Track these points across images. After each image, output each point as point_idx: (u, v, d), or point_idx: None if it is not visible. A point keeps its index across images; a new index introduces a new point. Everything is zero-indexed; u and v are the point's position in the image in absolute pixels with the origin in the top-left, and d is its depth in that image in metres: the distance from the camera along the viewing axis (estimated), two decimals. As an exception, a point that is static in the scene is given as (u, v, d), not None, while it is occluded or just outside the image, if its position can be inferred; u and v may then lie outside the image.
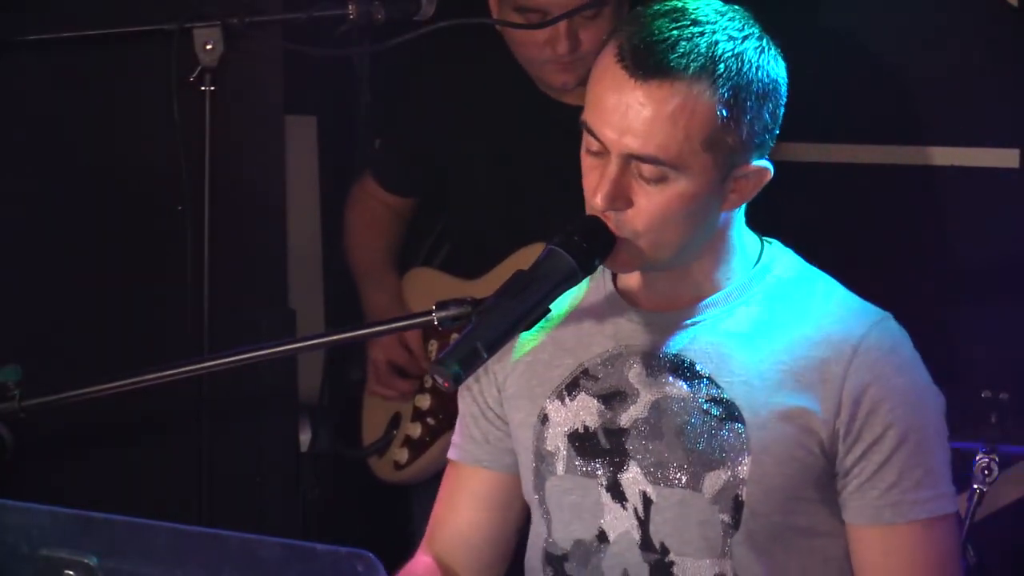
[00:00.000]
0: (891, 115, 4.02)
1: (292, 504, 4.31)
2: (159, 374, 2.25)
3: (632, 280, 2.31)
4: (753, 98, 2.16)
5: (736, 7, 2.22)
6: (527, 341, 2.37)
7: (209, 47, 3.16)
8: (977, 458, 2.98)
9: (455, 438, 2.48)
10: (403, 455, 3.71)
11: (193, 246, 3.29)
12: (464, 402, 2.45)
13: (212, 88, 3.20)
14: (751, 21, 2.21)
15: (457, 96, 3.64)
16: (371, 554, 1.64)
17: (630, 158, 2.15)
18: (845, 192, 4.11)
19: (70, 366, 3.57)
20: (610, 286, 2.33)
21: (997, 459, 2.99)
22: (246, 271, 3.87)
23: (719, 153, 2.15)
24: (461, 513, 2.45)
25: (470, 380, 2.41)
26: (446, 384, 2.04)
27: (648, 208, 2.15)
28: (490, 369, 2.40)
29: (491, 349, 2.06)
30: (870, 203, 4.11)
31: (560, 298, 2.34)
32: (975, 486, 2.97)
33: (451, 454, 2.48)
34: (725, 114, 2.13)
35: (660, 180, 2.14)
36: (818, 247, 3.33)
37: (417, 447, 3.68)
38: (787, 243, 2.39)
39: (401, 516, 4.45)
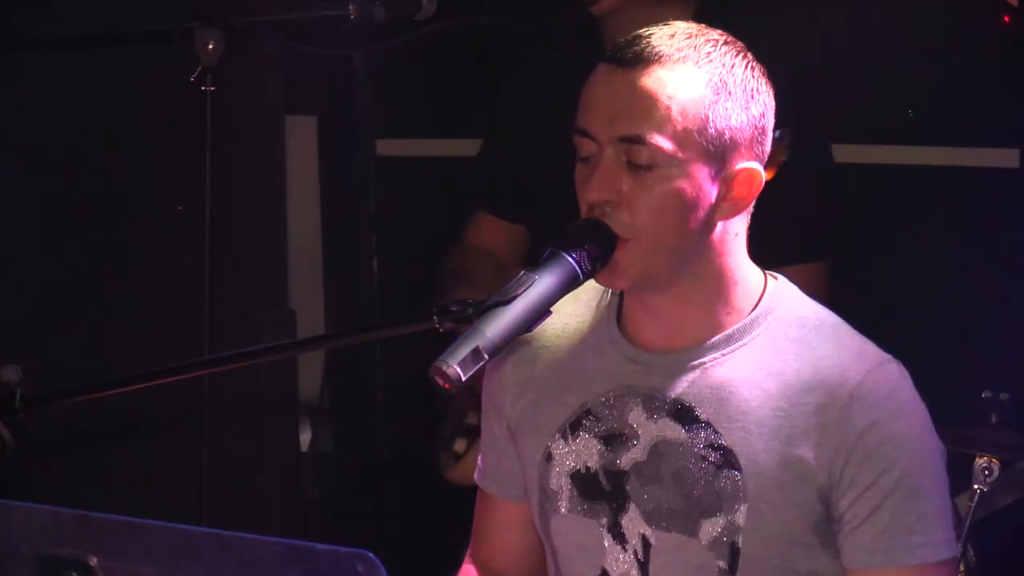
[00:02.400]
0: (891, 115, 4.02)
1: (292, 504, 4.31)
2: (159, 374, 2.24)
3: (635, 317, 2.29)
4: (739, 90, 2.17)
5: None
6: (533, 376, 2.37)
7: (209, 47, 3.16)
8: (977, 458, 2.98)
9: (479, 461, 2.50)
10: (462, 445, 3.55)
11: (193, 246, 3.29)
12: (483, 428, 2.47)
13: (212, 88, 3.20)
14: (739, 43, 2.22)
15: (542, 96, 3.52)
16: (371, 554, 1.64)
17: (620, 144, 2.15)
18: (845, 192, 4.11)
19: (70, 366, 3.57)
20: (614, 325, 2.32)
21: (997, 459, 2.99)
22: (246, 271, 3.88)
23: (707, 140, 2.14)
24: (492, 533, 2.48)
25: (487, 407, 2.43)
26: (447, 386, 2.03)
27: (644, 200, 2.15)
28: (499, 400, 2.41)
29: (492, 351, 2.05)
30: (870, 203, 4.12)
31: (564, 333, 2.35)
32: (975, 486, 2.97)
33: (475, 476, 2.50)
34: (712, 97, 2.15)
35: (652, 167, 2.14)
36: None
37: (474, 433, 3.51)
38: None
39: (402, 515, 4.45)
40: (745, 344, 2.23)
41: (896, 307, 3.61)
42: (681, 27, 2.21)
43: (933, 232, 4.04)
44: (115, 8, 3.57)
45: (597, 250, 2.15)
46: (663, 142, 2.13)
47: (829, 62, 3.88)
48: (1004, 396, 3.09)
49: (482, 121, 3.75)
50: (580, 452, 2.29)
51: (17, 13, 3.54)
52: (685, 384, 2.23)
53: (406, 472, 4.66)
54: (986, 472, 2.97)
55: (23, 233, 3.64)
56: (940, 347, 3.74)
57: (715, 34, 2.21)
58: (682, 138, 2.14)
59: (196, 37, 3.15)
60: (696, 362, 2.23)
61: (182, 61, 3.19)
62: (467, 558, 2.51)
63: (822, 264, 3.20)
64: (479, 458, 2.49)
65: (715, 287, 2.23)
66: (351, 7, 3.16)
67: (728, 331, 2.23)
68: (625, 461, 2.25)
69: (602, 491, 2.27)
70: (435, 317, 2.09)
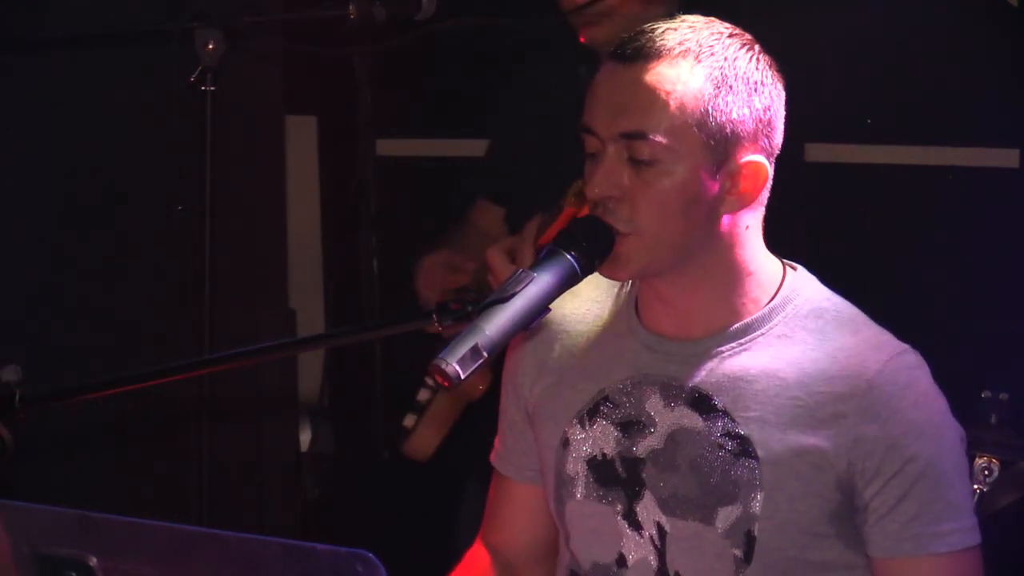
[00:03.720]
0: (891, 115, 4.02)
1: (292, 504, 4.32)
2: (159, 374, 2.24)
3: (650, 306, 2.30)
4: (740, 83, 2.17)
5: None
6: (552, 360, 2.38)
7: (209, 47, 3.15)
8: (977, 458, 2.98)
9: (496, 443, 2.52)
10: (411, 420, 3.54)
11: (193, 246, 3.29)
12: (501, 409, 2.49)
13: (212, 88, 3.20)
14: (747, 35, 2.24)
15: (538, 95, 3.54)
16: (371, 554, 1.64)
17: (622, 140, 2.16)
18: (846, 192, 4.11)
19: (70, 366, 3.57)
20: (633, 313, 2.33)
21: (997, 459, 2.99)
22: (246, 271, 3.88)
23: (709, 135, 2.15)
24: (505, 515, 2.49)
25: (506, 389, 2.45)
26: (445, 383, 2.03)
27: (645, 195, 2.16)
28: (517, 383, 2.42)
29: (491, 349, 2.06)
30: (870, 203, 4.11)
31: (584, 319, 2.37)
32: (975, 486, 2.97)
33: (491, 458, 2.51)
34: (712, 91, 2.15)
35: (653, 162, 2.15)
36: (819, 246, 3.33)
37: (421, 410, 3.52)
38: (788, 241, 2.38)
39: (402, 515, 4.45)
40: (763, 334, 2.23)
41: (896, 306, 3.61)
42: (687, 21, 2.21)
43: (933, 232, 4.04)
44: (115, 8, 3.57)
45: (595, 248, 2.16)
46: (663, 138, 2.14)
47: (828, 62, 3.89)
48: (1004, 396, 3.09)
49: (482, 121, 3.75)
50: (597, 438, 2.30)
51: (17, 13, 3.54)
52: (703, 373, 2.24)
53: (406, 472, 4.66)
54: (986, 472, 2.97)
55: (23, 233, 3.64)
56: (940, 347, 3.73)
57: (721, 27, 2.21)
58: (682, 133, 2.14)
59: (196, 37, 3.15)
60: (713, 351, 2.24)
61: (182, 61, 3.19)
62: (478, 541, 2.52)
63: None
64: (496, 439, 2.50)
65: (727, 278, 2.23)
66: (351, 7, 3.15)
67: (746, 321, 2.24)
68: (641, 448, 2.26)
69: (618, 478, 2.28)
70: (435, 316, 2.09)
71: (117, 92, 3.71)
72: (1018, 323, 3.76)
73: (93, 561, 1.73)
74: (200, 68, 3.15)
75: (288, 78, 4.18)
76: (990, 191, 3.97)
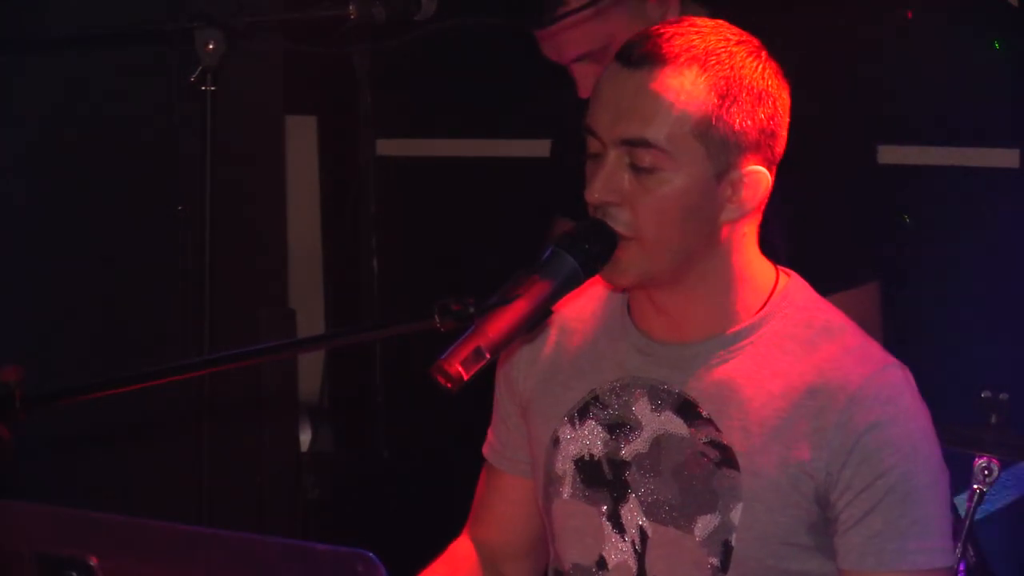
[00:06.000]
0: (891, 115, 4.02)
1: (292, 504, 4.31)
2: (159, 374, 2.24)
3: (645, 308, 2.30)
4: (745, 93, 2.17)
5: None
6: (547, 356, 2.38)
7: (209, 47, 3.15)
8: (977, 458, 2.98)
9: (489, 434, 2.52)
10: None
11: (193, 246, 3.29)
12: (496, 401, 2.49)
13: (212, 88, 3.19)
14: (755, 40, 2.23)
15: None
16: (371, 554, 1.64)
17: (624, 146, 2.16)
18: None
19: (70, 366, 3.57)
20: (626, 314, 2.33)
21: (997, 459, 2.98)
22: (246, 271, 3.88)
23: (711, 145, 2.15)
24: (494, 508, 2.50)
25: (501, 382, 2.45)
26: (449, 386, 2.03)
27: (645, 201, 2.15)
28: (511, 377, 2.43)
29: (493, 351, 2.06)
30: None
31: (580, 317, 2.37)
32: (975, 486, 2.97)
33: (484, 450, 2.52)
34: (716, 101, 2.15)
35: (654, 170, 2.15)
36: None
37: None
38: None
39: (402, 515, 4.45)
40: (752, 342, 2.23)
41: (896, 307, 3.62)
42: (696, 24, 2.20)
43: (933, 232, 4.04)
44: (115, 8, 3.57)
45: (598, 250, 2.16)
46: (665, 146, 2.14)
47: (827, 61, 3.88)
48: (1004, 396, 3.08)
49: (481, 121, 3.77)
50: (585, 439, 2.30)
51: (17, 13, 3.54)
52: (691, 379, 2.24)
53: (406, 472, 4.66)
54: (986, 472, 2.97)
55: (23, 233, 3.64)
56: (940, 347, 3.74)
57: (729, 32, 2.20)
58: (684, 142, 2.14)
59: (196, 37, 3.14)
60: (703, 357, 2.24)
61: (182, 61, 3.19)
62: (463, 533, 2.52)
63: (869, 287, 3.04)
64: (489, 431, 2.50)
65: (722, 285, 2.23)
66: (351, 7, 3.15)
67: (736, 328, 2.24)
68: (627, 451, 2.26)
69: (604, 479, 2.28)
70: (436, 316, 2.08)
71: (117, 92, 3.71)
72: (1018, 323, 3.76)
73: (93, 561, 1.73)
74: (200, 68, 3.15)
75: (288, 78, 4.17)
76: (990, 191, 3.97)
